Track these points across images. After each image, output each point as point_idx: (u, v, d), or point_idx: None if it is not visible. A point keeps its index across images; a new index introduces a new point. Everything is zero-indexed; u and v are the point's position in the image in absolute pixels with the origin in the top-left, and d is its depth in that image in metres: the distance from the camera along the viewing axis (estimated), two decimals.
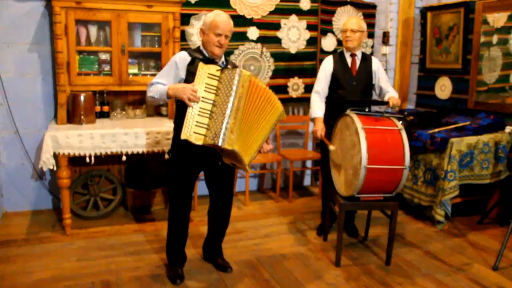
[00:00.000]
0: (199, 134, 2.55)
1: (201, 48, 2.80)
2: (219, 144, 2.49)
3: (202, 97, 2.57)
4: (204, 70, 2.58)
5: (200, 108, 2.57)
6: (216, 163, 2.84)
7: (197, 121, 2.55)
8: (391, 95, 3.39)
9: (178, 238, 2.95)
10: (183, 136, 2.53)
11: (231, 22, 2.76)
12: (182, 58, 2.74)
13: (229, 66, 2.72)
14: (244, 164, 2.65)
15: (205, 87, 2.58)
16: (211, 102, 2.58)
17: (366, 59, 3.51)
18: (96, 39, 3.80)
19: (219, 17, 2.71)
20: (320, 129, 3.36)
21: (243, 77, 2.54)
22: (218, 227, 3.07)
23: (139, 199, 4.09)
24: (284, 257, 3.28)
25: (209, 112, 2.57)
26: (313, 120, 3.46)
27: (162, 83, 2.73)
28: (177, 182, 2.86)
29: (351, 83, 3.43)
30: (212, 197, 3.02)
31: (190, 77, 2.66)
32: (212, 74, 2.59)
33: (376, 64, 3.52)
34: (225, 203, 3.01)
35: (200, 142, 2.55)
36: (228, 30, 2.72)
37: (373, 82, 3.52)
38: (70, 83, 3.65)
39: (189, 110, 2.55)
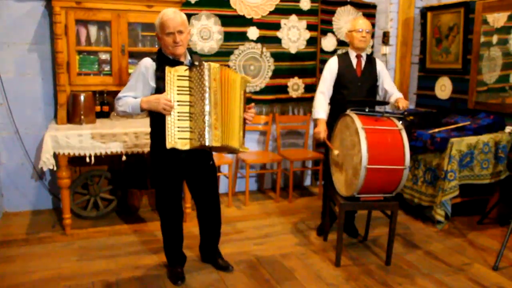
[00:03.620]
0: (184, 138, 2.52)
1: (163, 51, 2.68)
2: (206, 144, 2.48)
3: (178, 101, 2.52)
4: (172, 74, 2.52)
5: (179, 112, 2.52)
6: (205, 164, 2.82)
7: (178, 126, 2.51)
8: (398, 96, 3.39)
9: (173, 240, 2.94)
10: (168, 145, 2.49)
11: (181, 16, 2.60)
12: (148, 66, 2.63)
13: (196, 63, 2.60)
14: (236, 149, 2.67)
15: (178, 90, 2.53)
16: (188, 103, 2.54)
17: (371, 60, 3.52)
18: (96, 39, 3.80)
19: (165, 16, 2.57)
20: (322, 131, 3.35)
21: (213, 71, 2.51)
22: (210, 230, 3.05)
23: (139, 199, 4.10)
24: (284, 257, 3.28)
25: (188, 114, 2.54)
26: (315, 120, 3.45)
27: (131, 96, 2.64)
28: (164, 190, 2.82)
29: (356, 83, 3.43)
30: (198, 201, 2.97)
31: (160, 83, 2.57)
32: (181, 76, 2.54)
33: (380, 65, 3.53)
34: (213, 205, 2.98)
35: (187, 147, 2.53)
36: (179, 25, 2.56)
37: (378, 84, 3.52)
38: (70, 83, 3.66)
39: (167, 117, 2.50)
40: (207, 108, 2.50)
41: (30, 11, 3.79)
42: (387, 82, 3.51)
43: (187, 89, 2.55)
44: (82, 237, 3.53)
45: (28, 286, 2.80)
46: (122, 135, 3.46)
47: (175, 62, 2.64)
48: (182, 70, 2.55)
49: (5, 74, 3.81)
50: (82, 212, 3.91)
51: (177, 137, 2.51)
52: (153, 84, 2.63)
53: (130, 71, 3.81)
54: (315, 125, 3.43)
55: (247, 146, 2.80)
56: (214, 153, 2.97)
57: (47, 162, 3.30)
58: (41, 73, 3.92)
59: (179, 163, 2.73)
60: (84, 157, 3.43)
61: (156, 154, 2.75)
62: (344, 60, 3.48)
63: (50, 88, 3.96)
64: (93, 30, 3.76)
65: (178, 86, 2.54)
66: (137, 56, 3.92)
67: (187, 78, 2.55)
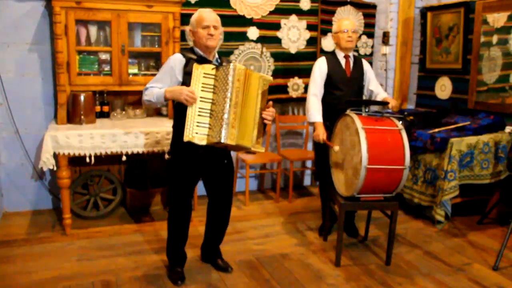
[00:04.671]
0: (201, 134, 2.56)
1: (195, 49, 2.80)
2: (222, 141, 2.50)
3: (201, 97, 2.58)
4: (199, 71, 2.59)
5: (200, 108, 2.57)
6: (221, 162, 2.84)
7: (198, 122, 2.56)
8: (384, 96, 3.43)
9: (178, 239, 2.95)
10: (185, 138, 2.54)
11: (216, 15, 2.79)
12: (178, 61, 2.74)
13: (224, 63, 2.72)
14: (248, 148, 2.67)
15: (202, 86, 2.59)
16: (210, 101, 2.59)
17: (357, 60, 3.55)
18: (96, 39, 3.80)
19: (202, 11, 2.77)
20: (321, 134, 3.35)
21: (238, 71, 2.54)
22: (217, 230, 3.06)
23: (139, 199, 4.09)
24: (284, 257, 3.28)
25: (209, 111, 2.59)
26: (312, 124, 3.45)
27: (158, 87, 2.74)
28: (179, 184, 2.84)
29: (346, 83, 3.44)
30: (212, 199, 3.00)
31: (187, 78, 2.66)
32: (207, 73, 2.60)
33: (367, 65, 3.57)
34: (225, 205, 3.00)
35: (203, 142, 2.56)
36: (214, 20, 2.74)
37: (364, 83, 3.54)
38: (70, 83, 3.65)
39: (188, 111, 2.56)
40: (227, 106, 2.52)
41: (30, 11, 3.79)
42: (373, 83, 3.55)
43: (212, 87, 2.60)
44: (82, 237, 3.53)
45: (28, 286, 2.80)
46: (122, 135, 3.46)
47: (204, 61, 2.72)
48: (209, 68, 2.61)
49: (5, 74, 3.81)
50: (82, 212, 3.90)
51: (195, 131, 2.56)
52: (180, 78, 2.73)
53: (130, 71, 3.83)
54: (314, 129, 3.42)
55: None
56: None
57: (47, 162, 3.30)
58: (41, 73, 3.92)
59: (196, 158, 2.75)
60: (84, 157, 3.43)
61: (176, 148, 2.80)
62: (332, 60, 3.48)
63: (50, 88, 3.96)
64: (93, 30, 3.76)
65: (203, 83, 2.59)
66: (137, 56, 3.92)
67: (213, 76, 2.61)
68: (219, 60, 2.85)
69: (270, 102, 2.77)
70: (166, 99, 2.67)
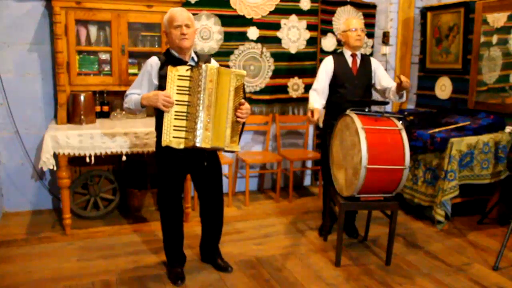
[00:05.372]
0: (179, 138, 2.55)
1: (170, 50, 2.77)
2: (197, 145, 2.51)
3: (176, 100, 2.56)
4: (173, 73, 2.56)
5: (176, 111, 2.56)
6: (202, 164, 2.82)
7: (175, 125, 2.55)
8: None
9: (173, 240, 2.95)
10: (163, 143, 2.54)
11: (187, 12, 2.72)
12: (153, 64, 2.71)
13: (200, 63, 2.65)
14: (222, 149, 2.65)
15: (177, 89, 2.57)
16: (186, 103, 2.58)
17: (365, 59, 3.54)
18: (96, 39, 3.80)
19: (173, 11, 2.72)
20: (316, 113, 3.25)
21: (209, 72, 2.53)
22: (212, 229, 3.06)
23: (139, 199, 4.09)
24: (284, 257, 3.28)
25: (185, 113, 2.57)
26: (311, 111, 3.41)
27: (136, 93, 2.72)
28: (165, 186, 2.84)
29: (352, 82, 3.44)
30: (202, 199, 3.00)
31: (162, 82, 2.63)
32: (182, 76, 2.58)
33: (375, 64, 3.54)
34: (215, 204, 2.99)
35: (181, 146, 2.56)
36: (186, 19, 2.67)
37: (373, 82, 3.53)
38: (70, 83, 3.66)
39: (165, 115, 2.55)
40: (200, 109, 2.53)
41: (30, 11, 3.79)
42: (385, 79, 3.52)
43: (187, 89, 2.58)
44: (82, 237, 3.53)
45: (28, 286, 2.80)
46: (122, 135, 3.46)
47: (179, 62, 2.68)
48: (183, 70, 2.58)
49: (5, 74, 3.81)
50: (82, 212, 3.90)
51: (172, 135, 2.55)
52: (156, 82, 2.70)
53: (130, 71, 3.83)
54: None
55: (244, 147, 2.79)
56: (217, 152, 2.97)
57: (47, 162, 3.30)
58: (41, 73, 3.92)
59: (177, 161, 2.74)
60: (84, 157, 3.43)
61: (159, 150, 2.78)
62: (339, 59, 3.49)
63: (50, 88, 3.96)
64: (93, 30, 3.76)
65: (178, 86, 2.57)
66: (137, 56, 3.92)
67: (188, 78, 2.58)
68: (195, 59, 2.79)
69: (243, 100, 2.72)
70: (143, 106, 2.65)
